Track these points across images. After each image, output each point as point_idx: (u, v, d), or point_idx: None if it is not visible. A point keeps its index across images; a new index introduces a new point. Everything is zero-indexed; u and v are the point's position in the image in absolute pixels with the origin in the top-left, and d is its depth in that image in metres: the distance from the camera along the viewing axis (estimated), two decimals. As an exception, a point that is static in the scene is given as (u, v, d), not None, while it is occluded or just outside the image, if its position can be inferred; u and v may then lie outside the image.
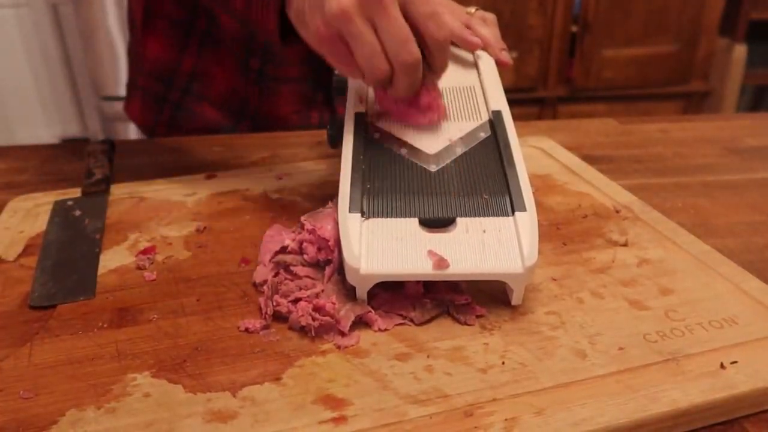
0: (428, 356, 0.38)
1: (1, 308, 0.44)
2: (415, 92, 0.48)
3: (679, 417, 0.35)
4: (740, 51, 2.40)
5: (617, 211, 0.56)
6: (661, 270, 0.47)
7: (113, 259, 0.50)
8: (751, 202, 0.63)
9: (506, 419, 0.34)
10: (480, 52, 0.60)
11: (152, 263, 0.49)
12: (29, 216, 0.57)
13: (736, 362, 0.38)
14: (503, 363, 0.38)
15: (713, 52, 2.35)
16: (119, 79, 2.24)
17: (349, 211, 0.43)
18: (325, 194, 0.60)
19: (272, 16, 0.50)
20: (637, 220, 0.55)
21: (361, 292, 0.42)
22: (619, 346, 0.39)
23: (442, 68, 0.48)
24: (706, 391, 0.36)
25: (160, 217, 0.56)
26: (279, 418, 0.34)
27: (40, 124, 2.62)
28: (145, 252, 0.50)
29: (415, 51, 0.44)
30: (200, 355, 0.39)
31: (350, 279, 0.41)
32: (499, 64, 0.59)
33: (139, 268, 0.49)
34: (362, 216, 0.43)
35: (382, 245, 0.41)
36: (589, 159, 0.69)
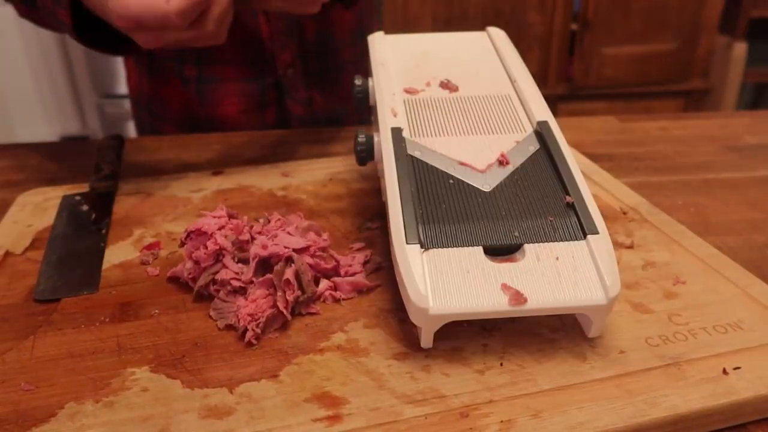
0: (426, 356, 0.38)
1: (6, 301, 0.45)
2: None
3: (677, 423, 0.34)
4: (740, 49, 2.40)
5: (624, 213, 0.56)
6: (666, 273, 0.47)
7: (118, 254, 0.50)
8: (750, 200, 0.63)
9: (502, 421, 0.33)
10: (508, 63, 0.56)
11: (156, 258, 0.50)
12: (38, 210, 0.57)
13: (739, 368, 0.37)
14: (501, 364, 0.37)
15: (713, 49, 2.35)
16: (119, 78, 2.24)
17: (407, 243, 0.38)
18: (330, 192, 0.61)
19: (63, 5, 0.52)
20: (644, 222, 0.55)
21: (428, 335, 0.38)
22: (620, 349, 0.39)
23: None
24: (706, 397, 0.35)
25: (165, 213, 0.57)
26: (274, 415, 0.34)
27: (40, 123, 2.62)
28: (149, 247, 0.51)
29: None
30: (199, 350, 0.39)
31: (415, 320, 0.38)
32: None
33: (142, 263, 0.49)
34: (421, 247, 0.39)
35: (449, 280, 0.37)
36: (590, 157, 0.69)
